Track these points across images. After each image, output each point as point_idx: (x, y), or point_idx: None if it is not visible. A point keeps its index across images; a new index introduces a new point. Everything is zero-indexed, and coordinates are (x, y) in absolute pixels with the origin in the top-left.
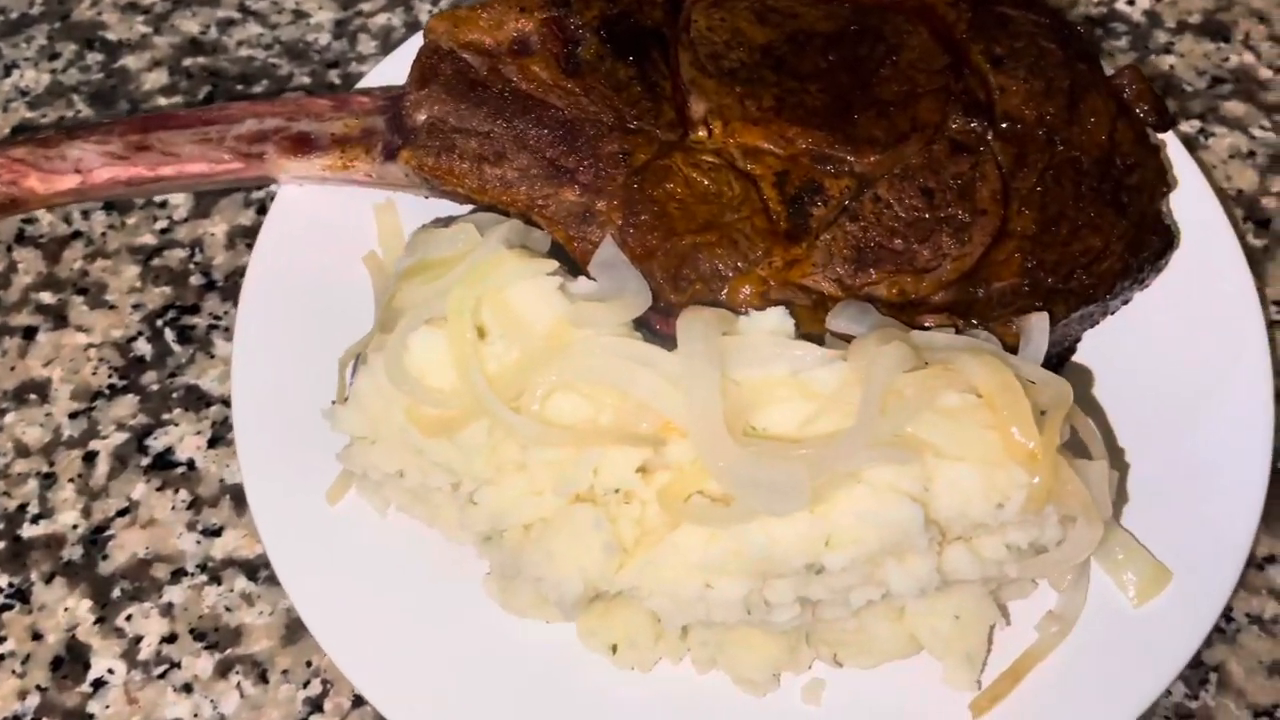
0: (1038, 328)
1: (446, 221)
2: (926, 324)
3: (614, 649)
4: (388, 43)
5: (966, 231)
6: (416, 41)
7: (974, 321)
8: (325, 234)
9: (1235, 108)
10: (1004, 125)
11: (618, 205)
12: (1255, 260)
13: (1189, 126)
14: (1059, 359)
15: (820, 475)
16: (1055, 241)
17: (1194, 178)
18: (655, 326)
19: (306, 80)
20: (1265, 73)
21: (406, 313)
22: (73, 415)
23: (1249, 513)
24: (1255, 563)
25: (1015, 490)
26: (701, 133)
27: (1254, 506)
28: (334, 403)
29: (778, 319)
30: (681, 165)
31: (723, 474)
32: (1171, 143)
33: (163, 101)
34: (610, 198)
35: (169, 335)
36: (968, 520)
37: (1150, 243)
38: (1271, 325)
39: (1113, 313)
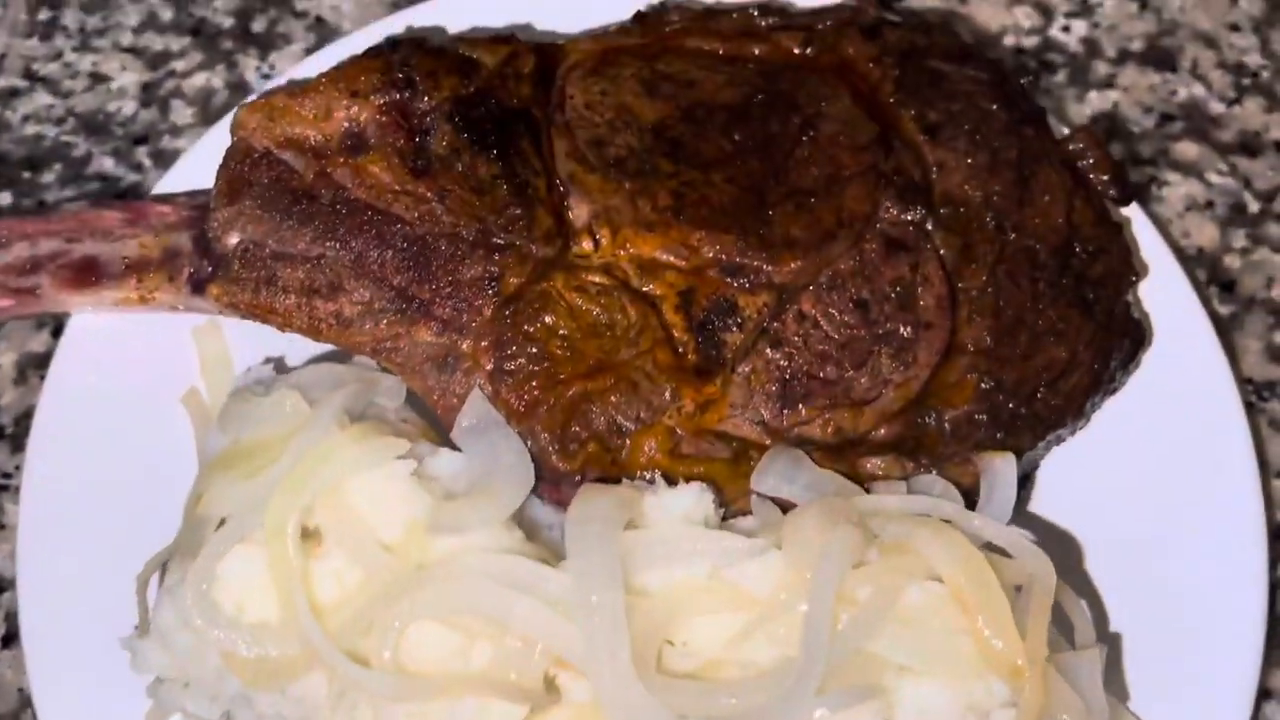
0: (1001, 475)
1: (279, 363)
2: (869, 466)
3: None
4: (208, 109)
5: (910, 350)
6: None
7: (924, 462)
8: (133, 367)
9: (1187, 149)
10: (945, 211)
11: (486, 346)
12: (1223, 330)
13: (1139, 175)
14: (1019, 485)
15: None
16: (1014, 355)
17: (1154, 244)
18: (542, 494)
19: (109, 162)
20: (1217, 106)
21: (215, 526)
22: None
23: (1246, 674)
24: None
25: (996, 709)
26: (586, 244)
27: (1251, 666)
28: (136, 629)
29: (692, 500)
30: (563, 290)
31: None
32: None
33: None
34: (477, 336)
35: None
36: None
37: (1120, 345)
38: (1250, 409)
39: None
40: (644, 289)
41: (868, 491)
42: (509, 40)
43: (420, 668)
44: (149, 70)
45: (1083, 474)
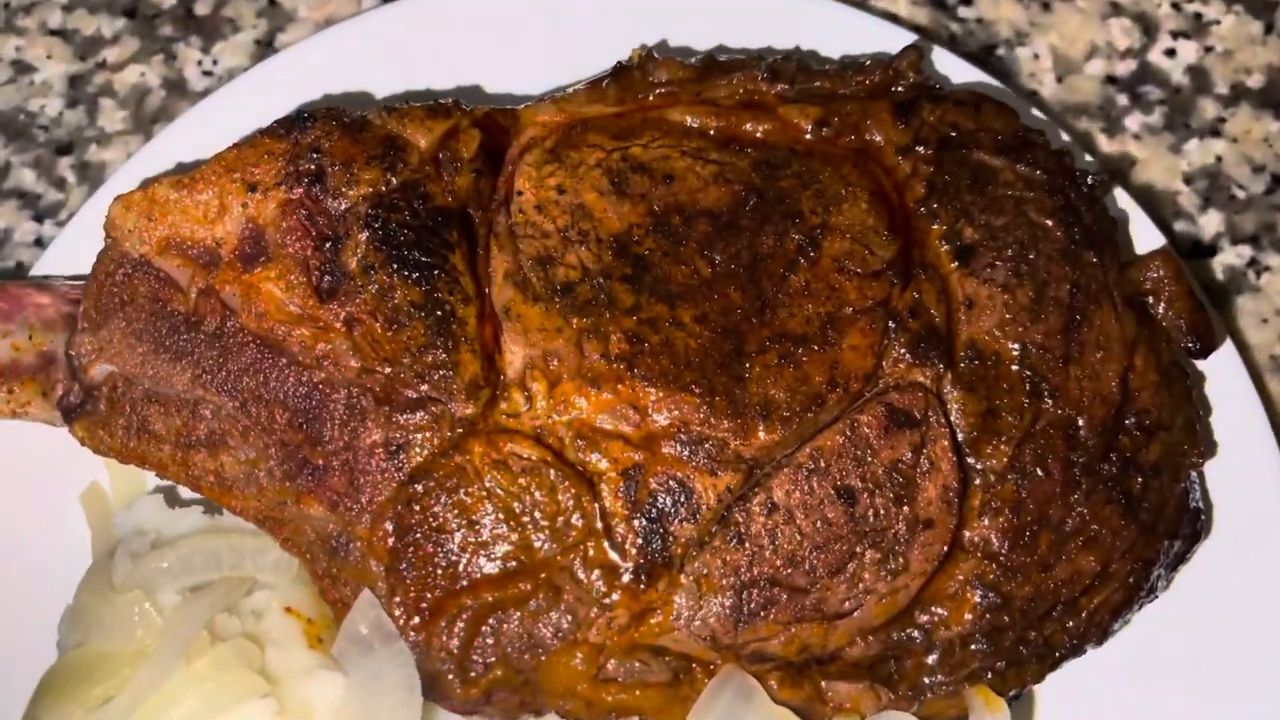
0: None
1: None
2: (837, 692)
3: None
4: (140, 112)
5: (901, 554)
6: (190, 119)
7: (904, 693)
8: (26, 461)
9: None
10: (967, 365)
11: (384, 534)
12: None
13: (1235, 255)
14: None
15: None
16: (1030, 565)
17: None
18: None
19: (29, 175)
20: None
21: None
22: None
23: None
24: None
25: None
26: (518, 399)
27: None
28: None
29: None
30: (481, 467)
31: None
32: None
33: None
34: (375, 519)
35: None
36: None
37: (1168, 550)
38: None
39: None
40: (581, 463)
41: None
42: (449, 112)
43: None
44: (77, 60)
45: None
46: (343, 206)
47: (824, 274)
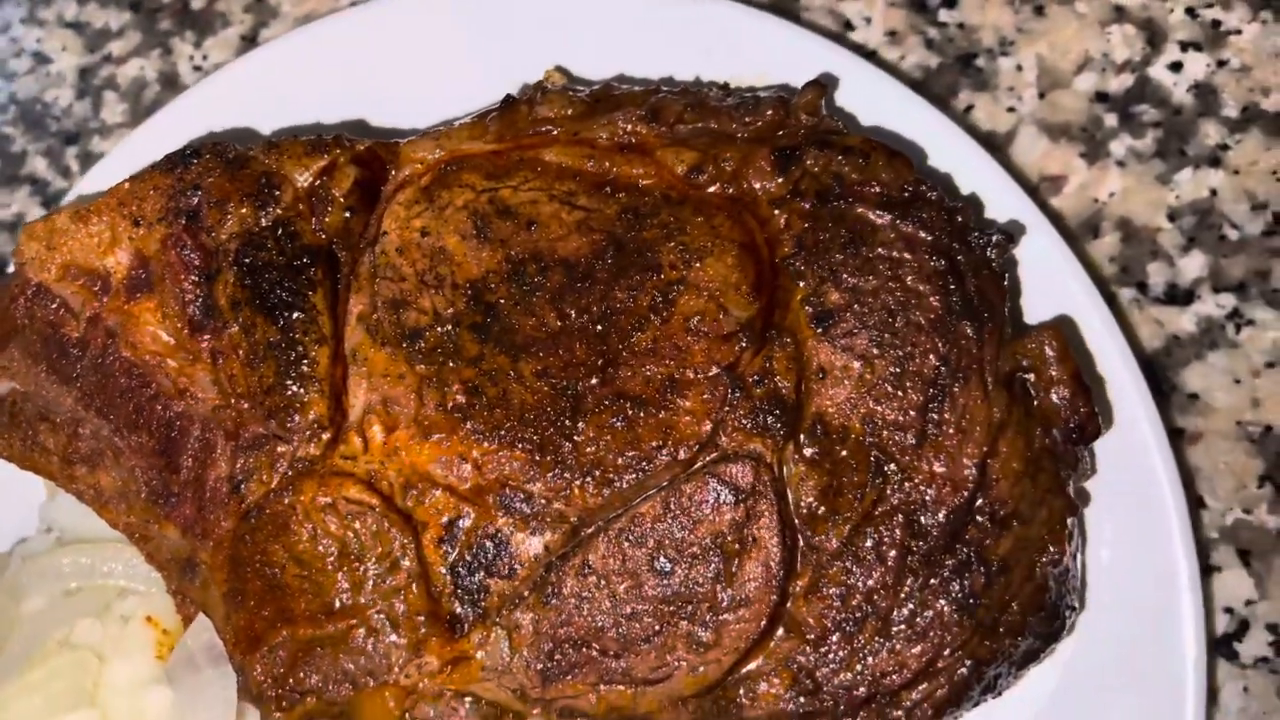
0: None
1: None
2: None
3: None
4: (138, 105)
5: (714, 630)
6: (171, 111)
7: None
8: None
9: None
10: (813, 439)
11: (222, 562)
12: (1260, 552)
13: (1215, 305)
14: None
15: None
16: (850, 650)
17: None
18: None
19: (41, 163)
20: None
21: None
22: None
23: None
24: None
25: None
26: (356, 443)
27: None
28: None
29: None
30: (310, 507)
31: None
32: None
33: None
34: (216, 548)
35: None
36: None
37: (1013, 650)
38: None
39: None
40: (408, 510)
41: None
42: (329, 148)
43: None
44: (87, 53)
45: None
46: (218, 242)
47: (672, 333)
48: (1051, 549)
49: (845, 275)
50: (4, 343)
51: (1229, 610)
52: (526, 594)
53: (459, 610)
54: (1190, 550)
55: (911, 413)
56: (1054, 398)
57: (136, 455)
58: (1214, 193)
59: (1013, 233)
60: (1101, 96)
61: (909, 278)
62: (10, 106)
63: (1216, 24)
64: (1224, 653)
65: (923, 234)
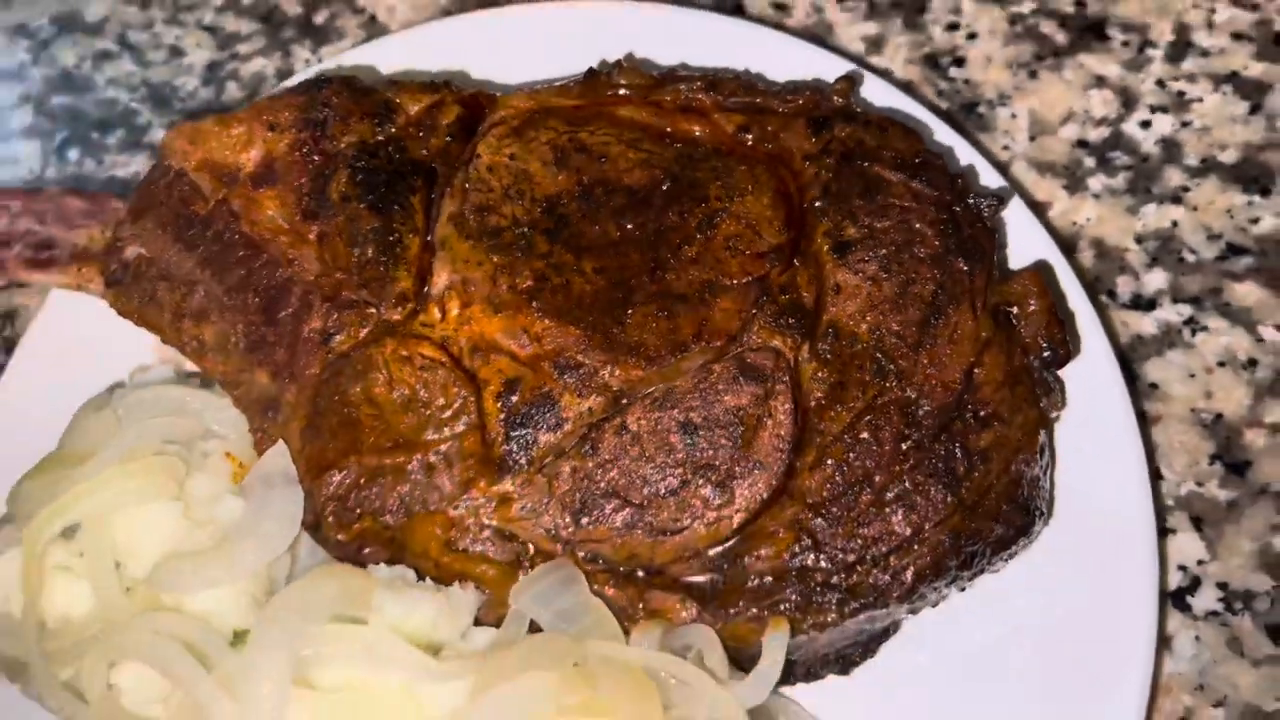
0: (769, 647)
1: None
2: (655, 601)
3: None
4: (256, 94)
5: (728, 488)
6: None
7: (715, 611)
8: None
9: (1248, 293)
10: (827, 341)
11: (305, 400)
12: (1211, 520)
13: (1174, 312)
14: (874, 642)
15: None
16: (847, 517)
17: (1120, 415)
18: None
19: (160, 134)
20: None
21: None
22: None
23: None
24: None
25: None
26: (434, 313)
27: None
28: None
29: (410, 608)
30: (389, 359)
31: None
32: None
33: (20, 147)
34: (301, 389)
35: None
36: None
37: (987, 532)
38: (1219, 619)
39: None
40: (473, 369)
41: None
42: (439, 88)
43: (130, 700)
44: (218, 50)
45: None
46: (337, 149)
47: (714, 249)
48: (1025, 451)
49: (862, 216)
50: (140, 215)
51: (1182, 568)
52: (568, 448)
53: (508, 457)
54: (1146, 479)
55: (911, 326)
56: (1032, 327)
57: (241, 312)
58: (1175, 224)
59: (1002, 196)
60: (1082, 143)
61: (915, 222)
62: (141, 87)
63: (1182, 94)
64: (1178, 605)
65: (928, 190)
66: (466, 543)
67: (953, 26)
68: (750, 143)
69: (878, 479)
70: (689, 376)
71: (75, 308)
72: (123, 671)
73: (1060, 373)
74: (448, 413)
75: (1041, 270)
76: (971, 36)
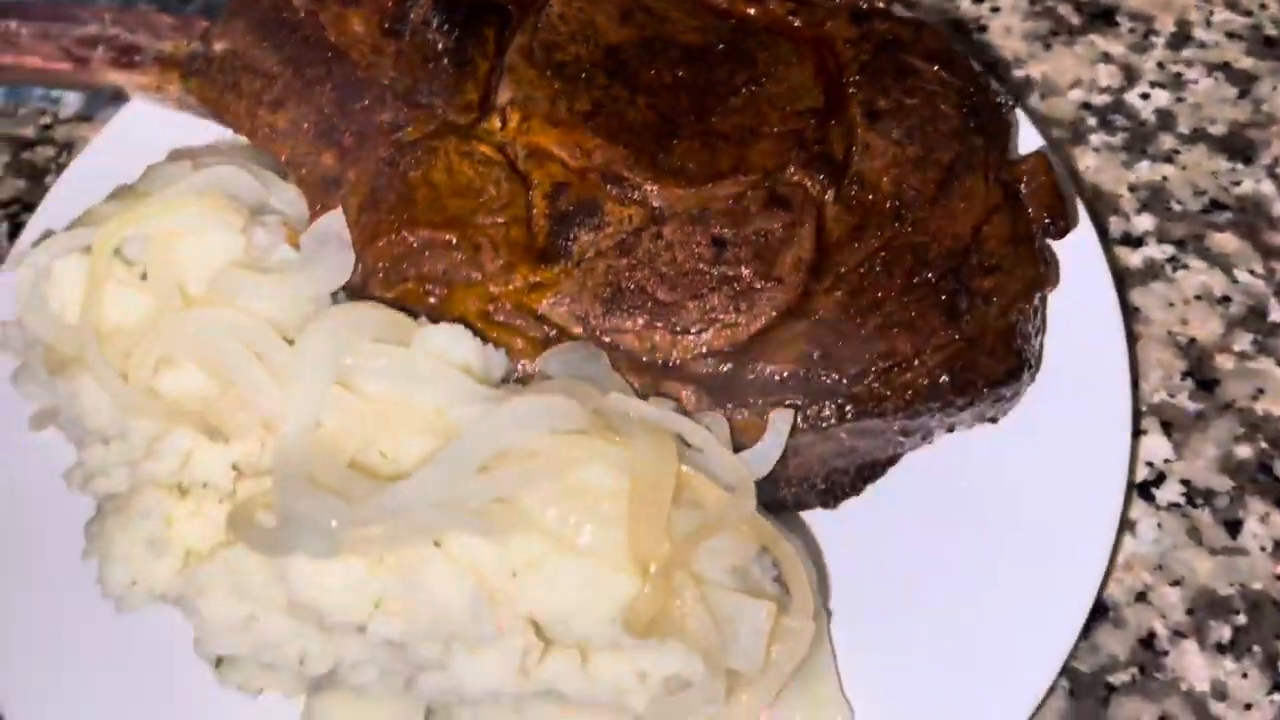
0: (775, 426)
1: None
2: (668, 389)
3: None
4: None
5: (749, 298)
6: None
7: (723, 404)
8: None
9: (1226, 242)
10: (852, 189)
11: (366, 177)
12: (1180, 427)
13: (1159, 250)
14: (862, 475)
15: (367, 523)
16: (854, 334)
17: (1108, 307)
18: None
19: None
20: None
21: (69, 233)
22: None
23: None
24: None
25: (614, 605)
26: (496, 122)
27: None
28: None
29: (466, 348)
30: (451, 151)
31: (273, 494)
32: (1084, 248)
33: None
34: (363, 169)
35: (3, 228)
36: (570, 627)
37: (980, 365)
38: (1179, 511)
39: (939, 431)
40: (526, 171)
41: None
42: None
43: (172, 396)
44: None
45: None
46: None
47: (758, 102)
48: (1022, 300)
49: (894, 93)
50: (235, 17)
51: (1149, 464)
52: (605, 248)
53: (550, 249)
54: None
55: (929, 184)
56: (1036, 201)
57: (316, 102)
58: (1165, 179)
59: (1018, 95)
60: (1086, 105)
61: (940, 103)
62: None
63: (1179, 75)
64: (1143, 495)
65: (954, 79)
66: (503, 316)
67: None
68: (797, 24)
69: (886, 307)
70: (723, 199)
71: (147, 119)
72: (166, 375)
73: (1058, 254)
74: (498, 204)
75: (1045, 154)
76: (995, 10)
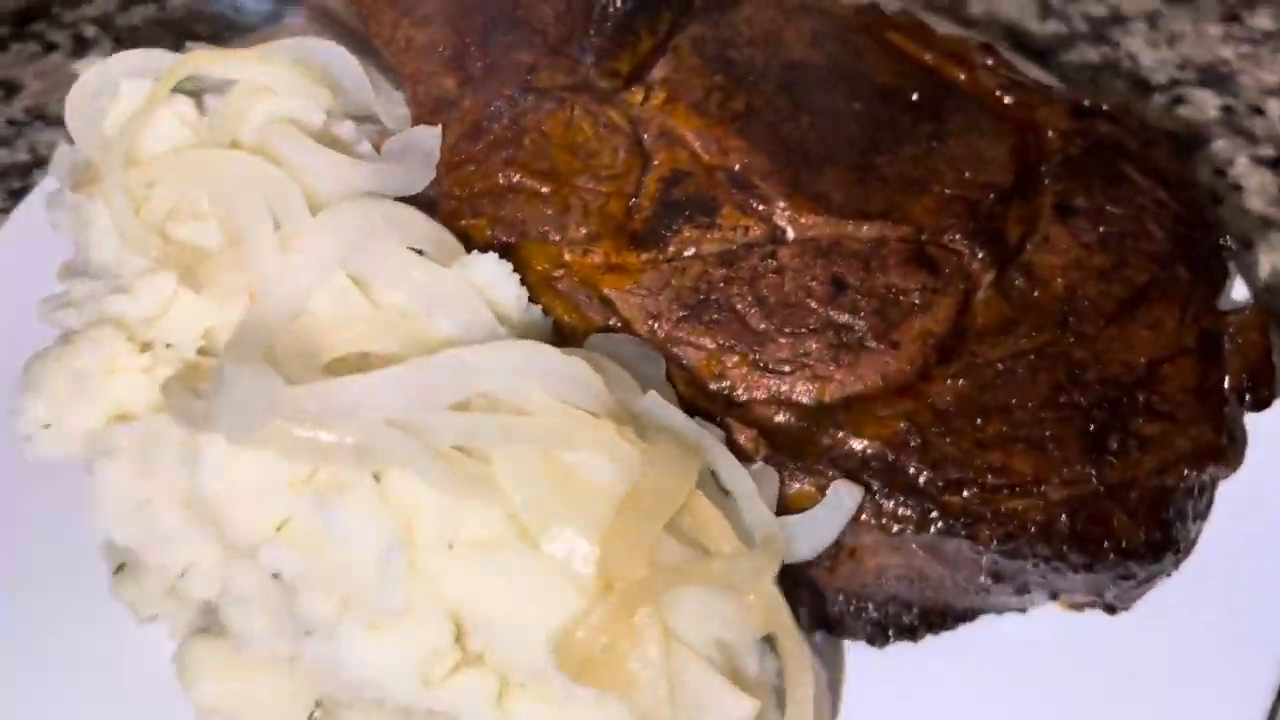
0: (835, 496)
1: None
2: (726, 424)
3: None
4: None
5: (855, 354)
6: None
7: (784, 462)
8: None
9: None
10: (1016, 278)
11: (479, 108)
12: None
13: None
14: (926, 619)
15: (302, 418)
16: (967, 433)
17: None
18: None
19: None
20: None
21: (150, 52)
22: None
23: None
24: None
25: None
26: (638, 95)
27: None
28: None
29: (499, 276)
30: (579, 107)
31: (221, 358)
32: None
33: None
34: (480, 100)
35: None
36: (494, 639)
37: (1115, 523)
38: None
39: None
40: (651, 149)
41: None
42: None
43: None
44: None
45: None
46: None
47: (935, 158)
48: (1188, 467)
49: (1096, 195)
50: None
51: None
52: (708, 251)
53: (645, 234)
54: None
55: (1110, 300)
56: (1240, 360)
57: (459, 25)
58: None
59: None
60: None
61: (1148, 221)
62: None
63: None
64: None
65: (1172, 203)
66: (565, 285)
67: None
68: (1007, 101)
69: (1017, 416)
70: (860, 241)
71: None
72: (181, 223)
73: (1249, 433)
74: (608, 172)
75: (1264, 312)
76: (1237, 188)
